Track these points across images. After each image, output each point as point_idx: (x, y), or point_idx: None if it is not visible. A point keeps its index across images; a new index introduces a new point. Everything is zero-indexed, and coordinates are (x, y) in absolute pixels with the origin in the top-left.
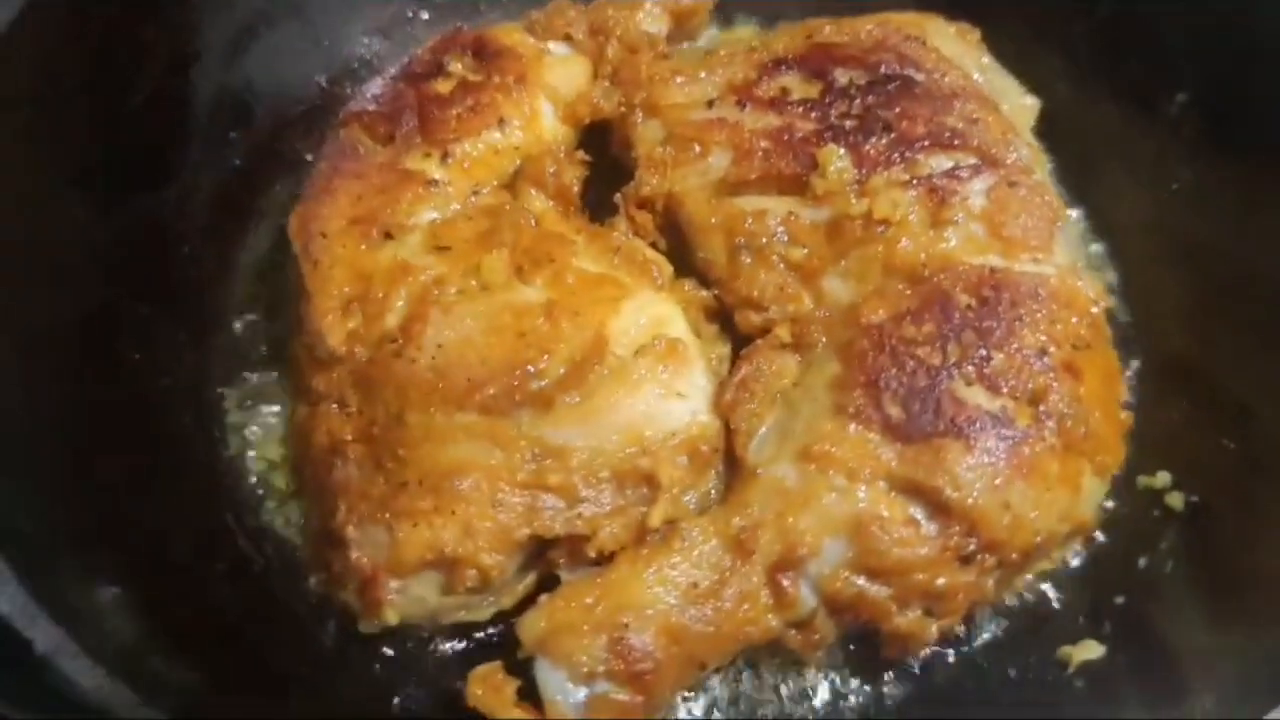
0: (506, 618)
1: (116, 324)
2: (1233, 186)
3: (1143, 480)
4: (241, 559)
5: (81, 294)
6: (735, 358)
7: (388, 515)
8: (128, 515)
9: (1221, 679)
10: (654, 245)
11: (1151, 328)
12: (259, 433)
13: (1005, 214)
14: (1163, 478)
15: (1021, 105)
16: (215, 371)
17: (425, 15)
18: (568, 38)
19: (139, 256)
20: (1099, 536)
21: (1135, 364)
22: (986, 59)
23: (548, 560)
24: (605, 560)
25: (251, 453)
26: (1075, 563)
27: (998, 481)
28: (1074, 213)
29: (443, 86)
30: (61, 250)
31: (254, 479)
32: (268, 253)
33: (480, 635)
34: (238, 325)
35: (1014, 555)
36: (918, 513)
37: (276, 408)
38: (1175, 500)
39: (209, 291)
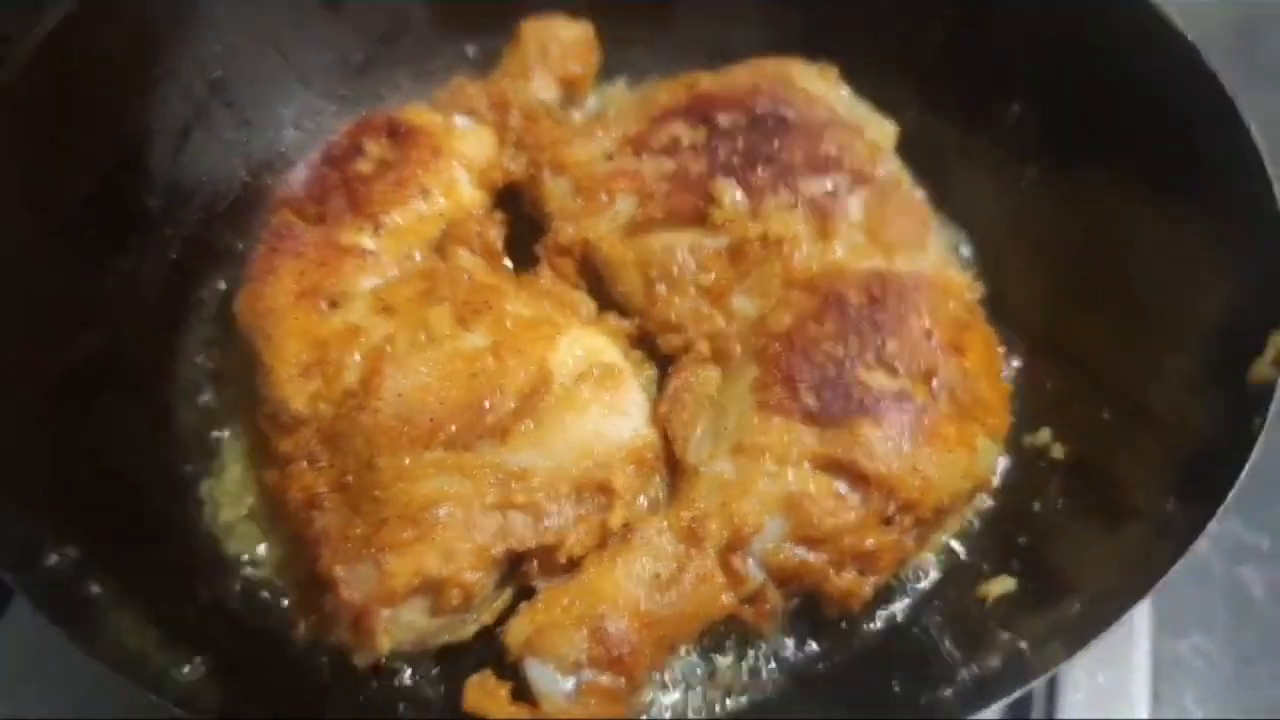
0: (489, 633)
1: (87, 409)
2: (1071, 179)
3: (1028, 439)
4: (232, 619)
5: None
6: (663, 376)
7: (372, 550)
8: (122, 585)
9: (1100, 584)
10: (576, 287)
11: (1016, 311)
12: (228, 503)
13: (881, 221)
14: (1044, 434)
15: (882, 130)
16: (178, 450)
17: (333, 107)
18: (471, 112)
19: (94, 352)
20: (999, 490)
21: (1008, 344)
22: (845, 92)
23: (522, 574)
24: (575, 566)
25: (225, 521)
26: (982, 515)
27: (905, 449)
28: (937, 217)
29: (364, 166)
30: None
31: (230, 545)
32: (210, 339)
33: (467, 654)
34: (192, 406)
35: (928, 513)
36: (841, 486)
37: (240, 476)
38: (1057, 451)
39: (161, 378)
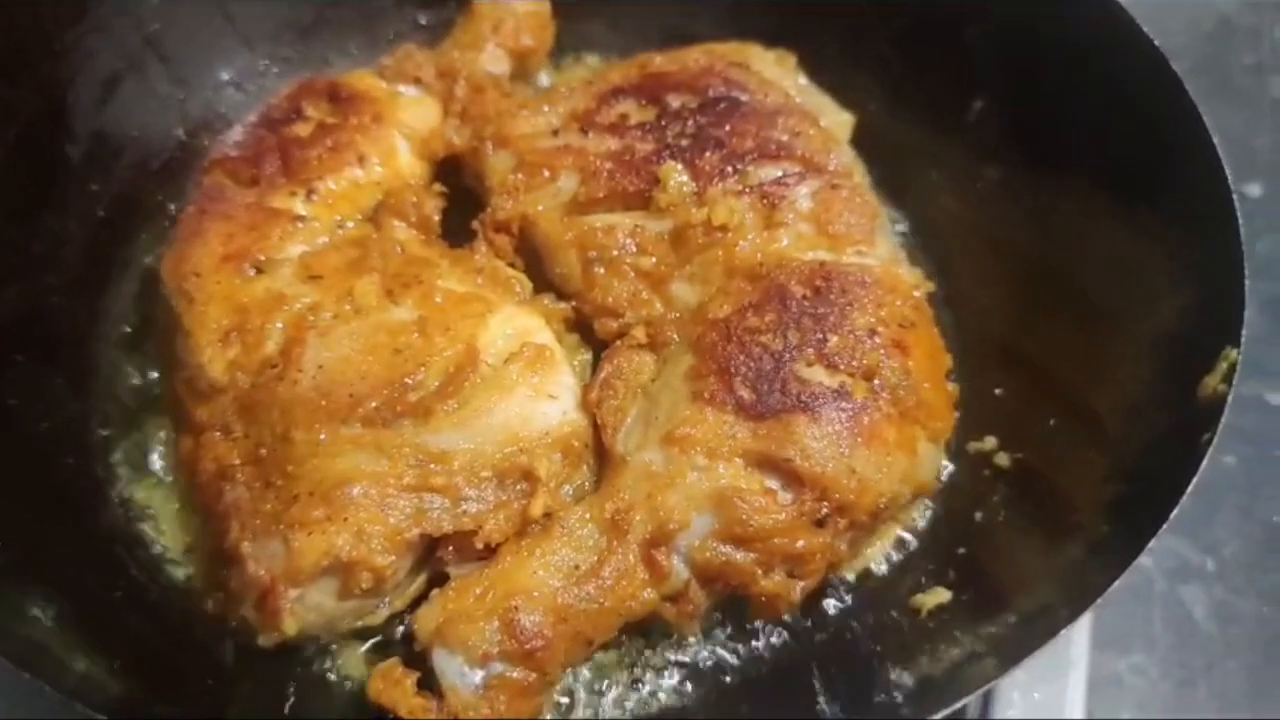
0: (400, 619)
1: None
2: (1031, 182)
3: (973, 445)
4: (137, 588)
5: None
6: (597, 361)
7: (281, 527)
8: (23, 552)
9: (1036, 601)
10: (512, 265)
11: (967, 314)
12: (143, 469)
13: (830, 213)
14: (990, 441)
15: (838, 120)
16: (95, 414)
17: (276, 69)
18: (417, 80)
19: (10, 308)
20: (941, 497)
21: (957, 347)
22: (803, 80)
23: (437, 560)
24: (491, 553)
25: (137, 490)
26: (921, 523)
27: (842, 449)
28: (892, 214)
29: (302, 130)
30: None
31: (140, 513)
32: (135, 298)
33: (376, 639)
34: (112, 368)
35: (863, 516)
36: (773, 483)
37: (158, 444)
38: (1002, 460)
39: (82, 338)
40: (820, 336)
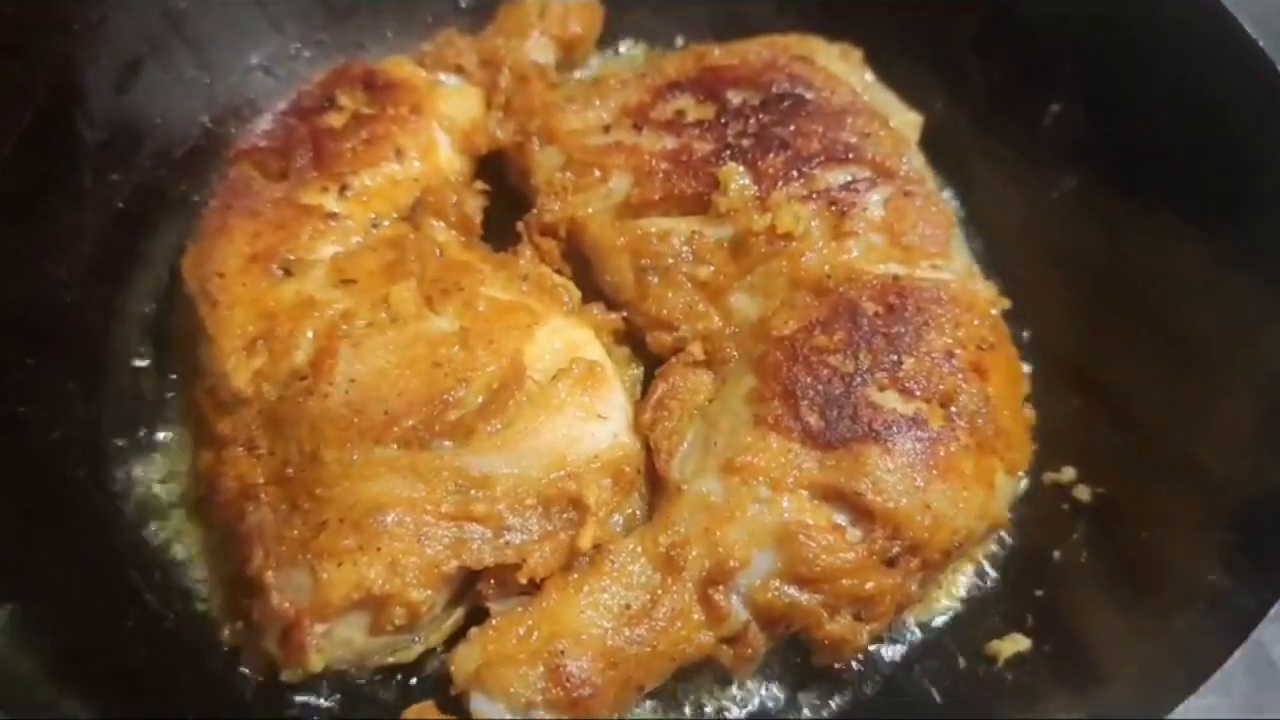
0: (434, 653)
1: (5, 372)
2: (1109, 194)
3: (1050, 476)
4: (150, 615)
5: None
6: (649, 378)
7: (309, 556)
8: (25, 573)
9: (1138, 664)
10: (559, 271)
11: (1040, 333)
12: (159, 483)
13: (903, 223)
14: (1068, 472)
15: (905, 120)
16: (108, 422)
17: (308, 53)
18: (459, 69)
19: (21, 306)
20: (1015, 532)
21: (1028, 365)
22: (869, 77)
23: (476, 594)
24: (536, 588)
25: (153, 506)
26: (995, 559)
27: (917, 483)
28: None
29: (335, 120)
30: None
31: (156, 532)
32: (155, 297)
33: (410, 677)
34: (128, 373)
35: (936, 555)
36: (841, 518)
37: (176, 456)
38: (1082, 493)
39: (96, 340)
40: (894, 359)
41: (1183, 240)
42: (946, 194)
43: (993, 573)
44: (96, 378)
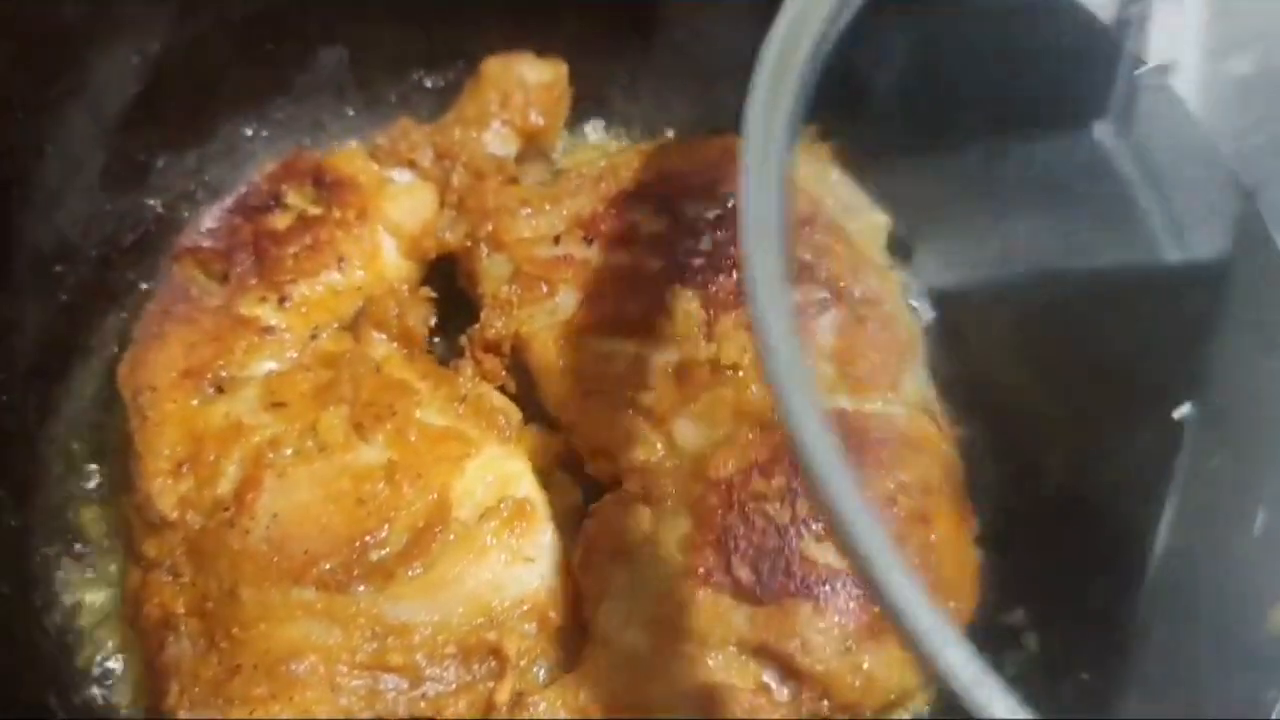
0: None
1: None
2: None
3: (997, 618)
4: None
5: None
6: (590, 502)
7: (221, 701)
8: None
9: None
10: (503, 388)
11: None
12: (87, 598)
13: (853, 352)
14: (1017, 615)
15: (872, 223)
16: (38, 531)
17: (265, 132)
18: (411, 164)
19: None
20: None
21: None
22: (836, 174)
23: None
24: None
25: (80, 623)
26: (935, 707)
27: (849, 644)
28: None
29: (280, 221)
30: None
31: (82, 652)
32: (96, 395)
33: None
34: (62, 478)
35: (867, 714)
36: (770, 678)
37: (107, 568)
38: (1031, 643)
39: (31, 442)
40: None
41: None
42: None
43: None
44: (27, 483)
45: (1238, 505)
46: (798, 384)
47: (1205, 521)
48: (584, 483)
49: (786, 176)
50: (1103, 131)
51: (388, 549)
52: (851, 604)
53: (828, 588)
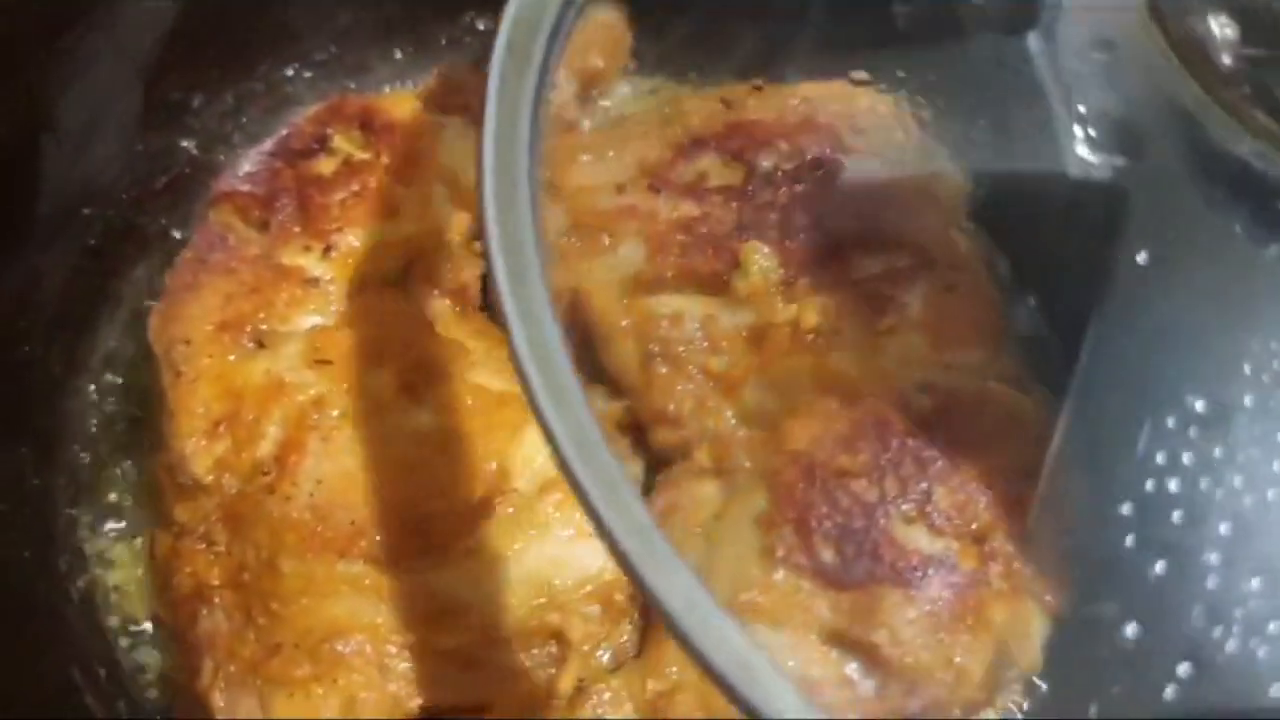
0: None
1: None
2: None
3: (1086, 610)
4: None
5: None
6: (651, 473)
7: (259, 682)
8: None
9: None
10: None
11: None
12: (113, 564)
13: (944, 321)
14: (1109, 608)
15: (954, 185)
16: (62, 492)
17: (307, 74)
18: (464, 109)
19: None
20: (1048, 677)
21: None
22: (919, 136)
23: None
24: None
25: (106, 591)
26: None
27: (941, 635)
28: None
29: (325, 166)
30: None
31: (109, 622)
32: (123, 346)
33: None
34: (89, 435)
35: (956, 711)
36: (852, 669)
37: (135, 530)
38: (1128, 635)
39: (54, 398)
40: (924, 487)
41: None
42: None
43: None
44: (51, 441)
45: None
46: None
47: None
48: (646, 455)
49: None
50: None
51: (441, 521)
52: (945, 592)
53: (919, 573)
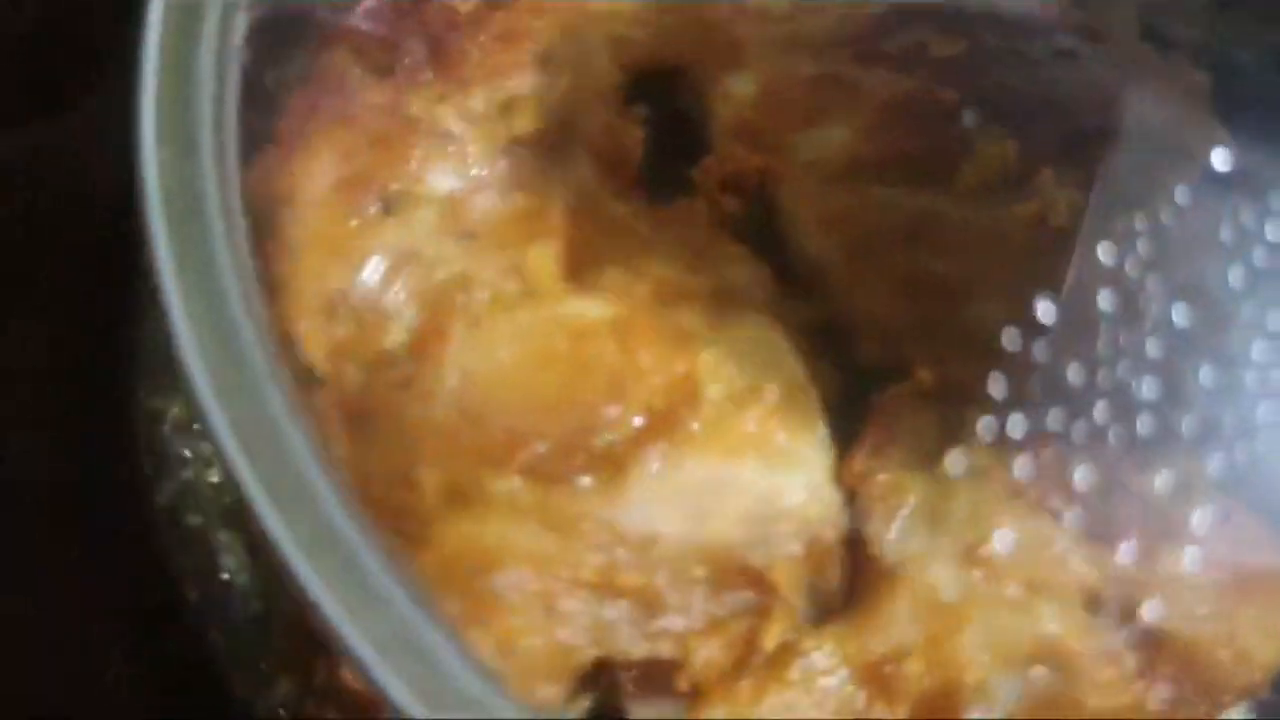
0: None
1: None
2: None
3: None
4: (169, 655)
5: None
6: (851, 404)
7: None
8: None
9: None
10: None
11: None
12: (204, 465)
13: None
14: None
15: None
16: (140, 373)
17: None
18: None
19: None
20: None
21: None
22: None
23: (610, 686)
24: (696, 696)
25: (200, 504)
26: None
27: (1223, 607)
28: None
29: (462, 4)
30: None
31: (196, 533)
32: None
33: None
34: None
35: (1228, 699)
36: (1116, 640)
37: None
38: None
39: (129, 255)
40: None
41: None
42: None
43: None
44: (125, 311)
45: None
46: None
47: None
48: (846, 374)
49: None
50: None
51: (619, 433)
52: (1229, 556)
53: (1202, 532)
